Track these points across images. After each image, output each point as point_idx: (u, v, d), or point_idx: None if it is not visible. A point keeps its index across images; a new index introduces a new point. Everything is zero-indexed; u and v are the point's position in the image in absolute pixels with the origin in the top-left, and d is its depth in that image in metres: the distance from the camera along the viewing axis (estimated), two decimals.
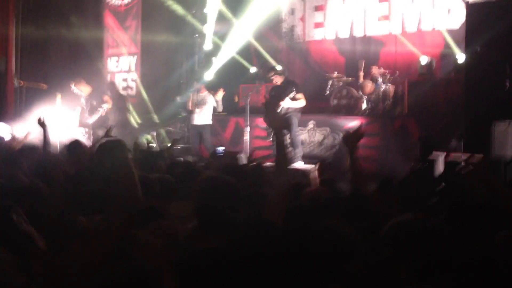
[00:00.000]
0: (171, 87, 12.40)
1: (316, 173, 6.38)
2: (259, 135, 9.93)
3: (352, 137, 3.65)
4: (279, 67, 9.39)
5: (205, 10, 12.59)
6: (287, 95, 8.39)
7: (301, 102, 8.57)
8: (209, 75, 12.21)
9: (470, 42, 7.11)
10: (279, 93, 8.56)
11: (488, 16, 7.10)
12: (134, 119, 11.64)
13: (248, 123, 9.86)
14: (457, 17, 9.78)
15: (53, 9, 11.93)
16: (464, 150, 6.68)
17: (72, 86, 9.73)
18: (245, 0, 11.94)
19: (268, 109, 5.30)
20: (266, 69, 9.56)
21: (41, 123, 5.78)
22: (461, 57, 8.92)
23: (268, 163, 7.62)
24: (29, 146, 6.08)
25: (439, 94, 8.80)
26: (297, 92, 8.52)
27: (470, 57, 7.08)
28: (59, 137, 8.54)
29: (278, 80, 8.78)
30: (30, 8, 11.70)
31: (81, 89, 9.75)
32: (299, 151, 8.50)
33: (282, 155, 3.25)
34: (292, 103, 8.45)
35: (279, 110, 8.37)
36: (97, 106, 9.59)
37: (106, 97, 9.68)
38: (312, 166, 7.98)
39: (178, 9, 12.11)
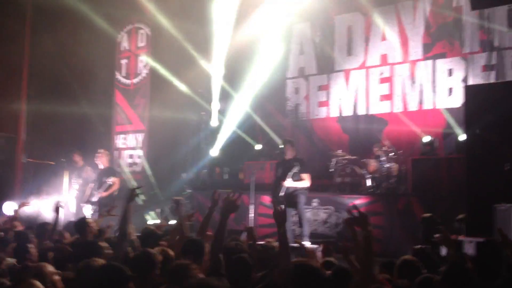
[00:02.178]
0: (177, 163, 12.53)
1: (320, 254, 6.35)
2: (264, 213, 9.93)
3: (360, 220, 3.76)
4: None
5: (211, 89, 12.95)
6: (291, 172, 8.39)
7: (305, 183, 8.50)
8: (214, 152, 12.38)
9: (469, 124, 7.21)
10: (286, 169, 8.55)
11: (487, 99, 7.25)
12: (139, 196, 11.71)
13: (253, 200, 9.89)
14: (458, 97, 10.00)
15: (64, 88, 12.29)
16: (467, 233, 6.64)
17: (96, 156, 9.78)
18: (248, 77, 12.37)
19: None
20: (283, 139, 9.54)
21: (56, 209, 6.06)
22: (462, 137, 9.04)
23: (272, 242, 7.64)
24: (42, 224, 6.26)
25: (442, 173, 8.84)
26: (303, 172, 8.50)
27: (470, 140, 7.16)
28: (67, 212, 8.67)
29: (289, 153, 8.71)
30: (41, 88, 12.06)
31: (102, 161, 9.82)
32: (306, 230, 8.44)
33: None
34: (295, 183, 8.45)
35: (283, 190, 8.38)
36: (106, 182, 9.61)
37: (113, 178, 9.69)
38: (316, 246, 7.98)
39: (185, 88, 12.43)
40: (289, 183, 8.37)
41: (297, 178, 8.44)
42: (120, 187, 9.80)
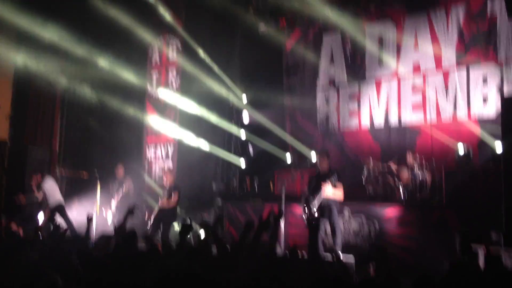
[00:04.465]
0: (207, 174, 12.56)
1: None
2: (294, 223, 9.85)
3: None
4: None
5: (243, 99, 12.99)
6: (331, 181, 8.31)
7: (339, 195, 8.40)
8: (244, 163, 12.41)
9: (507, 134, 7.05)
10: (321, 180, 8.44)
11: None
12: None
13: (284, 211, 9.83)
14: (493, 106, 9.79)
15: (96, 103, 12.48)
16: (505, 244, 6.45)
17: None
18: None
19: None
20: (319, 151, 9.49)
21: (89, 220, 6.22)
22: (498, 147, 8.83)
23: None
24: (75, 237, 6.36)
25: (478, 184, 8.62)
26: (338, 182, 8.44)
27: (508, 150, 6.99)
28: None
29: (324, 165, 8.65)
30: (74, 101, 12.28)
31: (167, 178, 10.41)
32: (339, 240, 8.33)
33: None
34: (333, 194, 8.34)
35: (318, 200, 8.30)
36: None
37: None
38: (351, 261, 7.86)
39: (219, 92, 12.47)
40: (329, 189, 8.26)
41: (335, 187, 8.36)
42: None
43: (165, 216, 9.94)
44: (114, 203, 10.62)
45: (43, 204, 10.47)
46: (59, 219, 9.69)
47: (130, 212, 6.23)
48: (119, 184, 10.94)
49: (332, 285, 3.88)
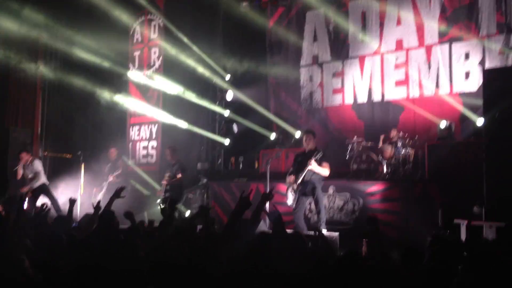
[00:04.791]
0: (192, 154, 12.54)
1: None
2: (280, 201, 9.89)
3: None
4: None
5: (226, 78, 12.93)
6: (316, 159, 8.34)
7: (326, 171, 8.42)
8: (227, 142, 12.41)
9: (488, 107, 7.11)
10: (305, 159, 8.46)
11: (506, 82, 7.15)
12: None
13: (269, 189, 9.86)
14: (475, 81, 9.86)
15: (78, 81, 12.33)
16: (486, 218, 6.56)
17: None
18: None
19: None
20: (304, 130, 9.53)
21: (71, 201, 6.24)
22: (479, 121, 8.91)
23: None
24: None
25: (460, 158, 8.71)
26: (323, 161, 8.47)
27: (489, 124, 7.06)
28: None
29: (310, 144, 8.63)
30: (55, 84, 12.13)
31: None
32: (323, 217, 8.38)
33: None
34: (318, 168, 8.38)
35: (304, 174, 8.33)
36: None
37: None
38: (334, 234, 7.93)
39: (199, 76, 12.40)
40: (314, 166, 8.28)
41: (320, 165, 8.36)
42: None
43: (171, 194, 10.08)
44: (106, 185, 10.61)
45: (23, 183, 10.39)
46: (44, 199, 9.66)
47: (117, 194, 6.18)
48: (113, 166, 11.05)
49: (315, 260, 3.92)
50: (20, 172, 10.42)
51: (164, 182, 10.37)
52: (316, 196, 8.37)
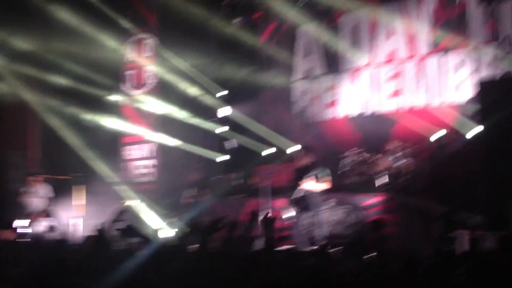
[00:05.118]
0: (189, 171, 12.54)
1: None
2: (276, 216, 9.90)
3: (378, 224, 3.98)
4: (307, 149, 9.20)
5: (219, 95, 13.00)
6: (315, 176, 8.42)
7: (320, 187, 8.50)
8: (222, 159, 12.46)
9: (484, 118, 7.23)
10: (303, 174, 8.55)
11: (500, 92, 7.29)
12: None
13: (266, 205, 9.90)
14: (467, 92, 10.00)
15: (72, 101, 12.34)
16: (488, 228, 6.64)
17: None
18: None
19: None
20: (302, 147, 9.57)
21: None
22: (472, 131, 9.02)
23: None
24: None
25: (458, 168, 8.82)
26: (323, 176, 8.51)
27: (487, 133, 7.17)
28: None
29: (306, 160, 8.72)
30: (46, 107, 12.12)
31: None
32: (323, 232, 8.42)
33: None
34: (310, 186, 8.44)
35: (296, 193, 8.39)
36: None
37: None
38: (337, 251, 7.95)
39: (194, 90, 12.45)
40: (310, 184, 8.35)
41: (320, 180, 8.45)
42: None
43: None
44: None
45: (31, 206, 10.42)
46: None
47: (118, 216, 6.20)
48: None
49: (310, 275, 3.96)
50: (29, 196, 10.44)
51: None
52: (313, 211, 8.42)
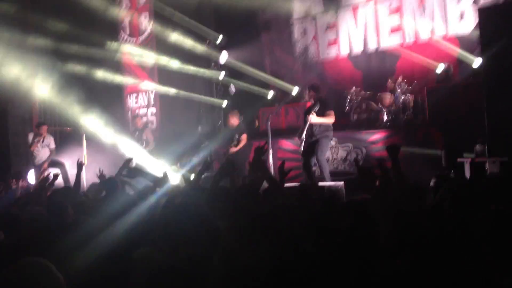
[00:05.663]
0: (191, 118, 12.55)
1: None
2: (283, 157, 9.94)
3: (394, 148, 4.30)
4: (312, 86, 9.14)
5: (218, 40, 12.81)
6: (314, 111, 8.43)
7: (328, 119, 8.50)
8: (225, 103, 12.40)
9: (486, 46, 7.08)
10: (307, 113, 8.61)
11: (501, 19, 7.10)
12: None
13: (271, 146, 9.91)
14: (470, 23, 9.77)
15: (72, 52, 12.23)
16: (489, 155, 6.62)
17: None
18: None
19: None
20: (307, 85, 9.52)
21: (79, 165, 6.25)
22: (476, 62, 8.87)
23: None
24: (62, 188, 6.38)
25: (459, 100, 8.71)
26: (326, 110, 8.52)
27: (487, 61, 7.04)
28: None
29: (311, 98, 8.81)
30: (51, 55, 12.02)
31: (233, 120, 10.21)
32: (325, 175, 8.43)
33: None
34: (319, 120, 8.44)
35: (305, 129, 8.39)
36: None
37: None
38: (339, 183, 8.01)
39: (191, 42, 12.28)
40: (314, 118, 8.36)
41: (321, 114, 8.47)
42: None
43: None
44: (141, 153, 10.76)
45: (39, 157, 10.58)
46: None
47: (125, 164, 6.19)
48: (139, 134, 11.26)
49: (321, 208, 3.96)
50: (37, 146, 10.61)
51: (234, 149, 9.88)
52: (317, 160, 8.43)
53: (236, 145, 9.88)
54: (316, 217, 3.64)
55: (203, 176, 5.08)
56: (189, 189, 4.72)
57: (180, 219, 2.81)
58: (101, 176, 6.25)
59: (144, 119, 12.83)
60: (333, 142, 9.56)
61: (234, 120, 10.09)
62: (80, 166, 6.30)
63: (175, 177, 9.41)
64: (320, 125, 8.47)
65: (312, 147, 8.46)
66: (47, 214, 4.56)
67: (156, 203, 4.35)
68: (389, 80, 10.04)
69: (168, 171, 5.50)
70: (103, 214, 4.19)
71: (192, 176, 5.15)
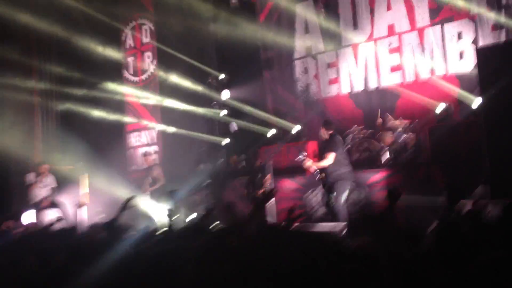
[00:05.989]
0: (193, 156, 12.54)
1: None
2: (284, 197, 9.88)
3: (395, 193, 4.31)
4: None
5: (220, 78, 12.91)
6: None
7: (324, 162, 8.50)
8: (226, 141, 12.42)
9: (484, 86, 7.07)
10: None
11: (499, 59, 7.11)
12: None
13: (272, 185, 9.88)
14: (469, 61, 9.80)
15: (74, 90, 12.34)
16: (492, 196, 6.52)
17: None
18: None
19: None
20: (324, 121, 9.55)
21: (78, 206, 6.18)
22: (476, 102, 8.86)
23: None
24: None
25: (461, 139, 8.65)
26: (326, 150, 8.51)
27: (487, 102, 7.02)
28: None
29: (325, 135, 8.82)
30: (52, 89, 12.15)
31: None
32: (340, 218, 8.35)
33: None
34: (314, 165, 8.41)
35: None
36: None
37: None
38: (341, 223, 7.90)
39: (193, 81, 12.39)
40: (307, 163, 8.35)
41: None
42: None
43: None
44: (145, 194, 10.74)
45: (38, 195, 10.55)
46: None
47: (126, 204, 6.09)
48: (148, 172, 11.22)
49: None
50: (35, 186, 10.59)
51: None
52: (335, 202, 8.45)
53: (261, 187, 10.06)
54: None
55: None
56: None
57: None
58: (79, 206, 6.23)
59: (154, 157, 12.84)
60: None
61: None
62: (79, 207, 6.23)
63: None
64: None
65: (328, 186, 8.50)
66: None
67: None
68: (390, 119, 10.03)
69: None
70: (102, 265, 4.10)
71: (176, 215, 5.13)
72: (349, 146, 10.32)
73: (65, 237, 5.69)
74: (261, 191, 9.87)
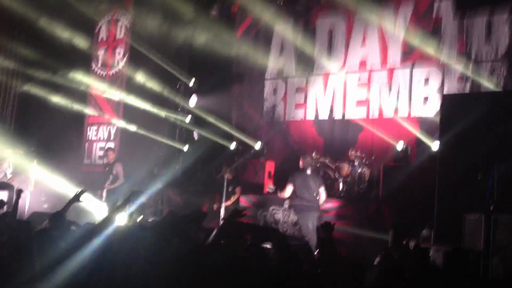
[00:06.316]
0: (150, 158, 12.38)
1: None
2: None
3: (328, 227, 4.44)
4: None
5: (190, 84, 12.84)
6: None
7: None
8: (186, 149, 12.32)
9: (443, 132, 7.24)
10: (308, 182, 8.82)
11: (462, 108, 7.29)
12: None
13: (224, 199, 9.86)
14: (433, 106, 10.05)
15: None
16: (435, 241, 6.66)
17: None
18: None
19: None
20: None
21: (18, 192, 6.18)
22: (435, 146, 9.08)
23: None
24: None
25: (414, 181, 8.86)
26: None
27: (444, 148, 7.19)
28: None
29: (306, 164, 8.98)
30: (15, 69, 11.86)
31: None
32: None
33: None
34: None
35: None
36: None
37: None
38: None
39: (161, 82, 12.30)
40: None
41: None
42: None
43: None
44: (105, 191, 10.51)
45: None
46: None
47: (76, 197, 5.94)
48: (110, 168, 10.89)
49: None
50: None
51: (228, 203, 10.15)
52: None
53: (230, 198, 10.15)
54: None
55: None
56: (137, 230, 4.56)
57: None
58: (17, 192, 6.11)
59: (101, 152, 12.61)
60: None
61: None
62: (18, 193, 6.09)
63: (122, 217, 9.13)
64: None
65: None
66: None
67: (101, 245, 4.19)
68: (351, 151, 10.15)
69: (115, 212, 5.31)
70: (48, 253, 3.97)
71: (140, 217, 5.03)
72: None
73: (3, 221, 5.53)
74: (229, 203, 9.90)
